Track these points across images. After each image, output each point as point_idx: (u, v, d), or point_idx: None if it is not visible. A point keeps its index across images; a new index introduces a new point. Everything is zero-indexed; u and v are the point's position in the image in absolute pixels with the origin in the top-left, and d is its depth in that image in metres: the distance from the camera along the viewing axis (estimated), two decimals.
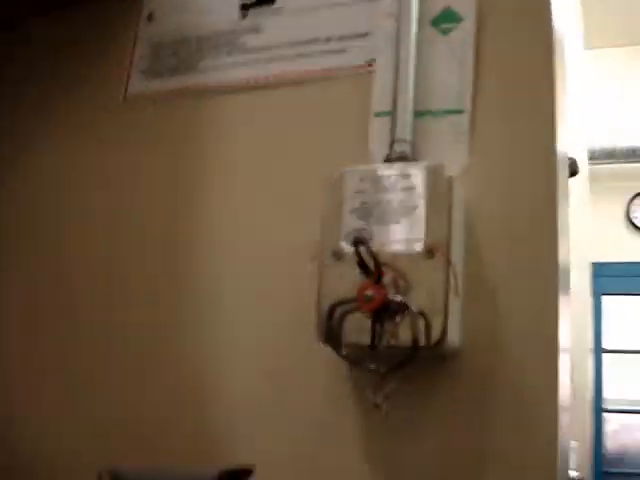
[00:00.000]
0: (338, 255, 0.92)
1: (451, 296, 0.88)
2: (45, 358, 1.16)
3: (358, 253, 0.87)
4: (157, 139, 1.18)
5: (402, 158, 0.96)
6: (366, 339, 0.86)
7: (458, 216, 0.92)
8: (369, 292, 0.86)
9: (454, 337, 0.90)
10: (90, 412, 1.09)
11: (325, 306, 0.89)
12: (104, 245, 1.17)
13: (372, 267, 0.86)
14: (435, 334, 0.86)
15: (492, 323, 0.93)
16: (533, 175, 0.96)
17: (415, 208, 0.90)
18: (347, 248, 0.90)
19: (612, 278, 3.37)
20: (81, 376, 1.12)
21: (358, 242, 0.87)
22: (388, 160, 0.97)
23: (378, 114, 1.03)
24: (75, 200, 1.21)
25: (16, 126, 1.31)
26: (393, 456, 0.93)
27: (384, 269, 0.87)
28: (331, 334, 0.88)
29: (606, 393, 3.36)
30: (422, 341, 0.85)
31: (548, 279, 0.93)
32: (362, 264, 0.87)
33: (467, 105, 0.99)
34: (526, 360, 0.92)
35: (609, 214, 3.55)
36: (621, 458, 3.38)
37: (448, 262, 0.88)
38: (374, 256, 0.86)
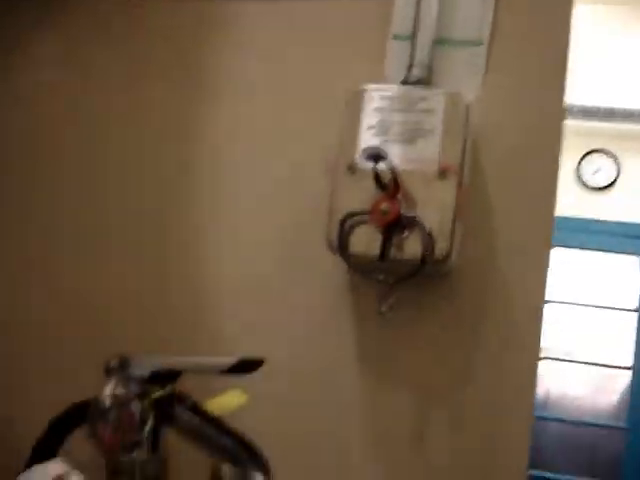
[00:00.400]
0: (353, 169, 0.95)
1: (458, 217, 0.92)
2: None
3: (375, 168, 0.90)
4: (165, 38, 1.16)
5: (419, 82, 0.99)
6: (375, 251, 0.91)
7: (470, 143, 0.96)
8: (384, 206, 0.89)
9: (456, 256, 0.94)
10: None
11: (337, 217, 0.92)
12: (103, 150, 1.17)
13: (388, 182, 0.90)
14: (440, 251, 0.90)
15: (489, 247, 0.99)
16: (542, 114, 1.00)
17: (432, 130, 0.93)
18: (362, 163, 0.93)
19: (558, 231, 3.49)
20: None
21: (376, 157, 0.90)
22: (405, 82, 0.99)
23: (397, 37, 1.05)
24: (77, 95, 1.19)
25: (15, 18, 1.25)
26: (388, 361, 0.99)
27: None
28: (341, 244, 0.92)
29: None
30: (429, 257, 0.89)
31: (544, 218, 0.99)
32: (378, 179, 0.90)
33: (486, 38, 1.02)
34: (515, 287, 0.98)
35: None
36: (544, 403, 3.55)
37: (459, 185, 0.92)
38: (393, 171, 0.89)
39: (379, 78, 1.03)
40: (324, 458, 1.00)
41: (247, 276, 1.06)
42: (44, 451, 0.85)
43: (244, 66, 1.12)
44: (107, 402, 0.79)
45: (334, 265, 0.96)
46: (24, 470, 0.82)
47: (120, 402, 0.80)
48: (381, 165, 0.90)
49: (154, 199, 1.12)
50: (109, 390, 0.81)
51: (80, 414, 0.82)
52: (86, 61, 1.19)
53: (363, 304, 0.99)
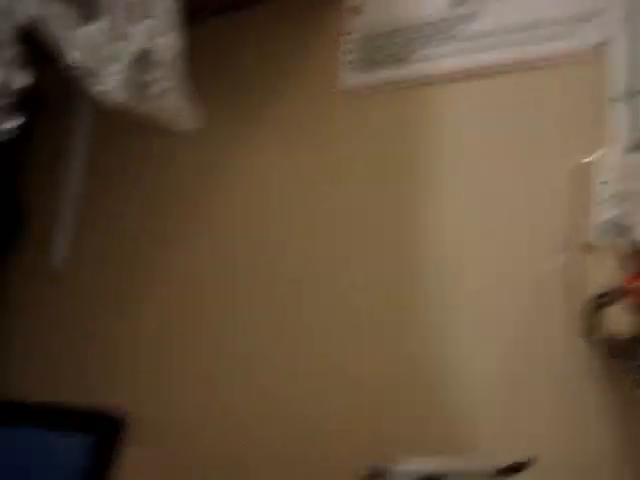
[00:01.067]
0: (589, 247, 0.91)
1: None
2: None
3: (623, 244, 0.86)
4: (373, 132, 1.17)
5: None
6: (632, 332, 0.85)
7: None
8: (637, 283, 0.85)
9: None
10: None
11: (579, 299, 0.89)
12: (322, 241, 1.20)
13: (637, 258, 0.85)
14: None
15: None
16: None
17: None
18: (599, 239, 0.89)
19: None
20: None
21: (621, 233, 0.86)
22: (633, 148, 0.94)
23: (615, 99, 1.00)
24: (284, 197, 1.24)
25: (217, 126, 1.30)
26: None
27: None
28: (592, 328, 0.88)
29: None
30: None
31: None
32: (630, 255, 0.86)
33: None
34: None
35: None
36: None
37: None
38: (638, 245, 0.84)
39: (601, 144, 0.98)
40: None
41: (490, 372, 1.02)
42: None
43: (452, 148, 1.11)
44: None
45: (577, 354, 0.92)
46: None
47: None
48: (623, 239, 0.86)
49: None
50: None
51: None
52: (295, 146, 1.26)
53: (617, 393, 0.92)
